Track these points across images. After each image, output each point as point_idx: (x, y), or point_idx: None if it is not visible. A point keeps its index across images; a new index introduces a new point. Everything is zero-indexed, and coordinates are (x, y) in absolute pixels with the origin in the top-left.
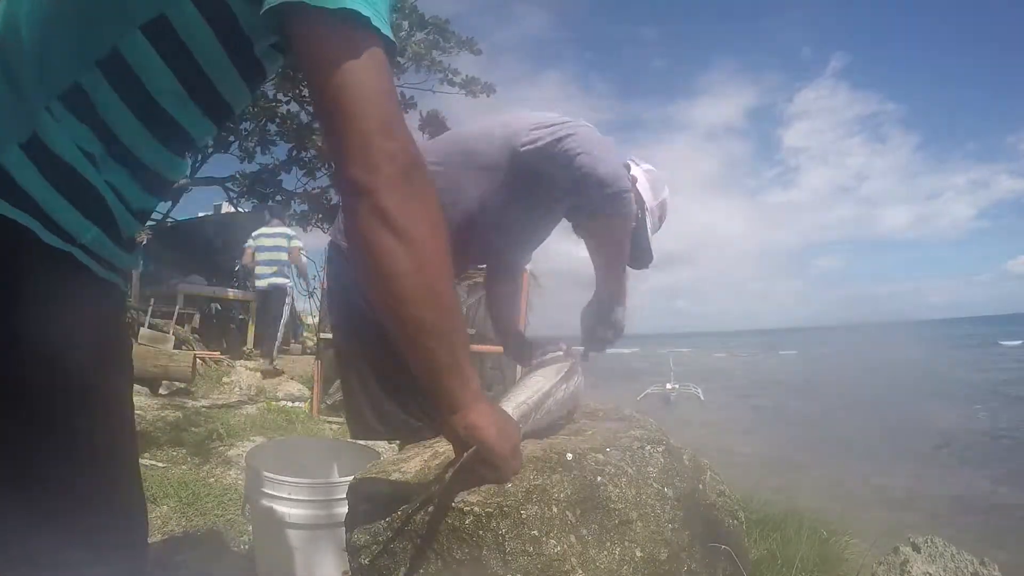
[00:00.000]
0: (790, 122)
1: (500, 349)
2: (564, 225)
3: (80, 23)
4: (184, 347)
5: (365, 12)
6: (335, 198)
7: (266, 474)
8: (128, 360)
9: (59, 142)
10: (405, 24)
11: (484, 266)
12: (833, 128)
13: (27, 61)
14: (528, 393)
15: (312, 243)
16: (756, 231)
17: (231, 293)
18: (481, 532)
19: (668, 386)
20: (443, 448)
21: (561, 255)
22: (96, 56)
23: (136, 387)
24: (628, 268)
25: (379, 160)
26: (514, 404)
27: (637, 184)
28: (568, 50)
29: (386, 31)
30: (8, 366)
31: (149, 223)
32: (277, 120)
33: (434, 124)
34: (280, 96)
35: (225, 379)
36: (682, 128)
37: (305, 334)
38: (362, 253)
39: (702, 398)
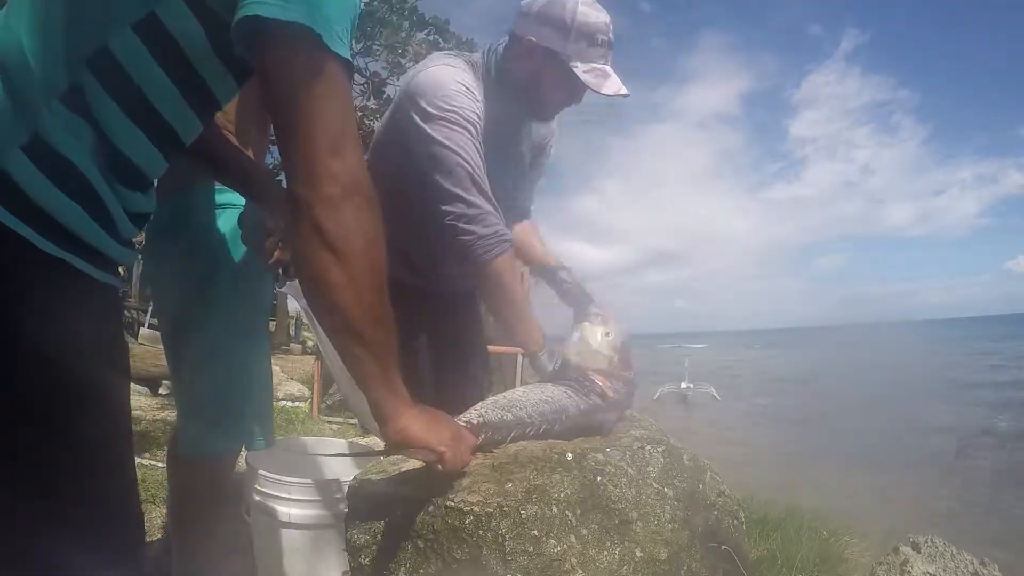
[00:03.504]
0: (797, 110)
1: (499, 349)
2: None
3: (69, 23)
4: None
5: (317, 29)
6: None
7: (266, 474)
8: (125, 361)
9: (59, 139)
10: (405, 24)
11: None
12: (842, 117)
13: (25, 68)
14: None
15: None
16: (759, 228)
17: None
18: (481, 532)
19: (683, 385)
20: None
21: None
22: (84, 55)
23: (136, 387)
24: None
25: (321, 178)
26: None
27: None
28: None
29: (340, 50)
30: (5, 375)
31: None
32: None
33: None
34: None
35: None
36: (670, 116)
37: (305, 334)
38: (300, 266)
39: (718, 397)
